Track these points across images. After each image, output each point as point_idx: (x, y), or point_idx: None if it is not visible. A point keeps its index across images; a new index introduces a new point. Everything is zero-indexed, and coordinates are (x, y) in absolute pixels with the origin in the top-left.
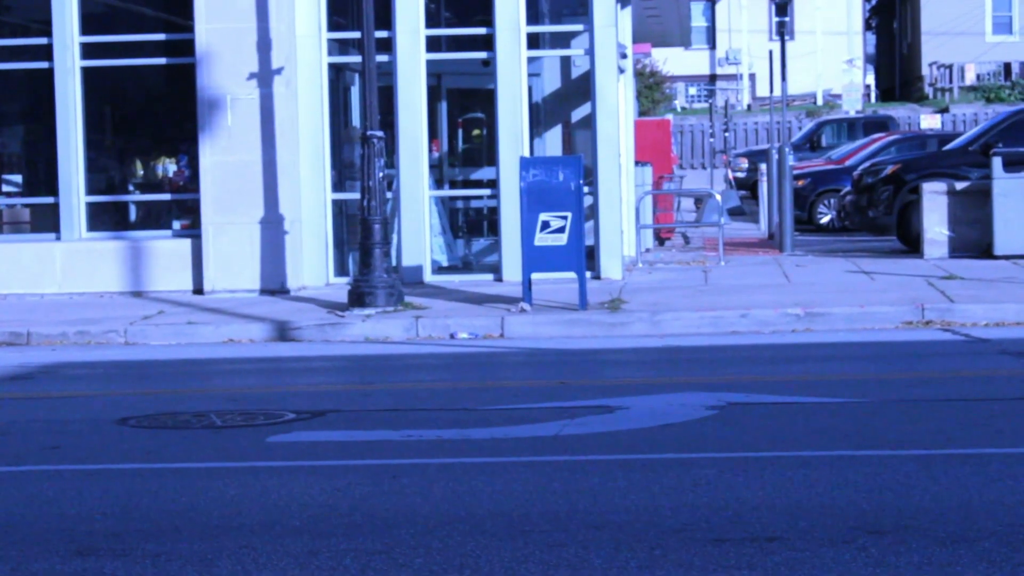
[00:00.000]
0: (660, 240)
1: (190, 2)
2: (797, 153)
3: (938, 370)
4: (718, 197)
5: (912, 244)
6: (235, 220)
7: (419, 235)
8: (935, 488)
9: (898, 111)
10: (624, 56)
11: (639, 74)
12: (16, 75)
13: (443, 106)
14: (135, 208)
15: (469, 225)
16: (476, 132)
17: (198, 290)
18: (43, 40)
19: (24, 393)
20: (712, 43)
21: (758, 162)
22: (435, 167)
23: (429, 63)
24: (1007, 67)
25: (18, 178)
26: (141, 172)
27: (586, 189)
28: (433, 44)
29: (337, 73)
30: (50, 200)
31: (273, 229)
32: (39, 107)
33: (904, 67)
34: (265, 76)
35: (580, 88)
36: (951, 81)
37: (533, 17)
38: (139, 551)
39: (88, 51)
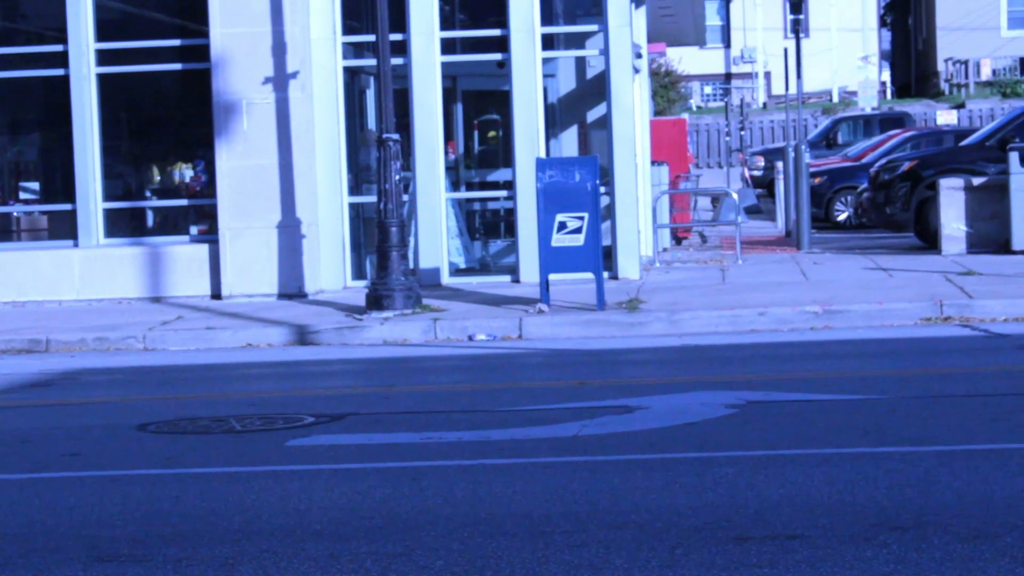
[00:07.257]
0: (677, 239)
1: (205, 7)
2: (813, 151)
3: (957, 366)
4: (735, 196)
5: (930, 240)
6: (252, 225)
7: (436, 237)
8: (956, 484)
9: (914, 107)
10: (639, 56)
11: (654, 74)
12: (32, 82)
13: (458, 108)
14: (152, 214)
15: (486, 227)
16: (492, 134)
17: (216, 295)
18: (59, 47)
19: (44, 400)
20: (727, 42)
21: (774, 160)
22: (451, 169)
23: (444, 65)
24: (1023, 62)
25: (35, 185)
26: (158, 178)
27: (602, 189)
28: (448, 46)
29: (352, 76)
30: (67, 207)
31: (290, 233)
32: (55, 114)
33: (919, 63)
34: (280, 80)
35: (595, 88)
36: (967, 76)
37: (547, 18)
38: (160, 556)
39: (103, 57)
